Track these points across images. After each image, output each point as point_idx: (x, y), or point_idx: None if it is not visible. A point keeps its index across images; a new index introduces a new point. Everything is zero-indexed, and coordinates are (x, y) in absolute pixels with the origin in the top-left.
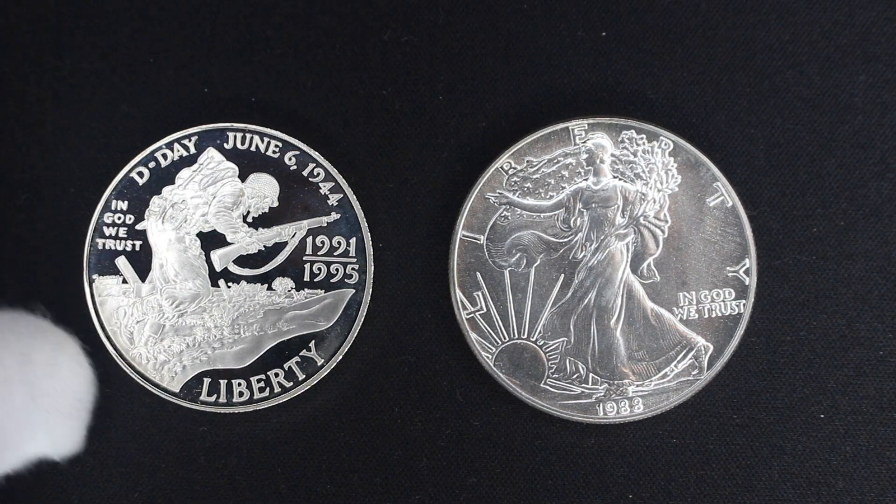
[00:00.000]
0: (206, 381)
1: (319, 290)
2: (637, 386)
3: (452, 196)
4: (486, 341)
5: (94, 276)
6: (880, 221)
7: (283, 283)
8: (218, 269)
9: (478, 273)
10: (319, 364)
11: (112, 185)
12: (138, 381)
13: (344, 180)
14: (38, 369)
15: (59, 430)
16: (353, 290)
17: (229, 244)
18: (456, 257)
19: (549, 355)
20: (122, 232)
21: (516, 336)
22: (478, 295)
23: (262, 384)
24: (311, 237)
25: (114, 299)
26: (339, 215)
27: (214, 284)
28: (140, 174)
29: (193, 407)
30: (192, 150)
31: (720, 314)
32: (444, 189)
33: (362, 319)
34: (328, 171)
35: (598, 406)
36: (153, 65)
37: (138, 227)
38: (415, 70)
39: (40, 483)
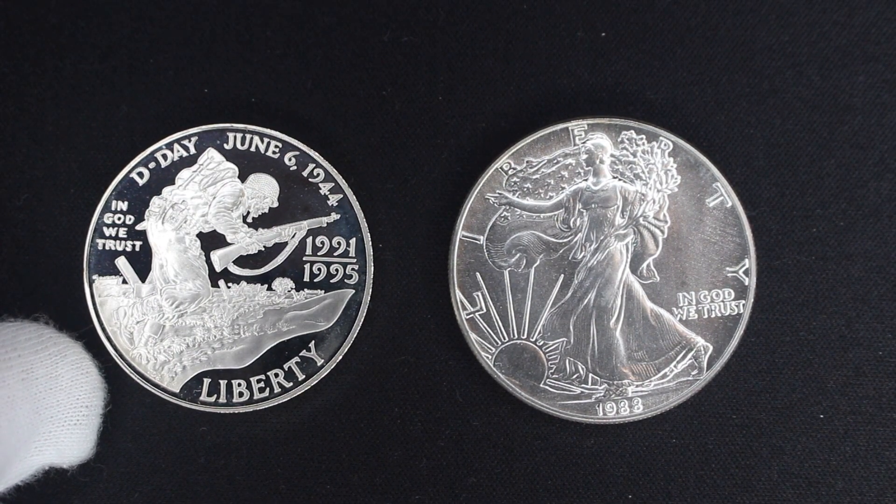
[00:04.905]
0: (206, 381)
1: (319, 291)
2: (637, 386)
3: (452, 196)
4: (485, 341)
5: (94, 277)
6: (880, 222)
7: (283, 284)
8: (218, 269)
9: (477, 273)
10: (319, 364)
11: (112, 185)
12: (138, 381)
13: (344, 181)
14: (40, 384)
15: (66, 440)
16: (353, 291)
17: (229, 245)
18: (456, 257)
19: (549, 355)
20: (122, 232)
21: (516, 336)
22: (477, 295)
23: (261, 384)
24: (311, 237)
25: (114, 300)
26: (338, 216)
27: (214, 285)
28: (140, 174)
29: (193, 407)
30: (192, 151)
31: (720, 314)
32: (444, 189)
33: (362, 320)
34: (328, 172)
35: (598, 406)
36: (153, 65)
37: (138, 227)
38: (415, 70)
39: (41, 483)
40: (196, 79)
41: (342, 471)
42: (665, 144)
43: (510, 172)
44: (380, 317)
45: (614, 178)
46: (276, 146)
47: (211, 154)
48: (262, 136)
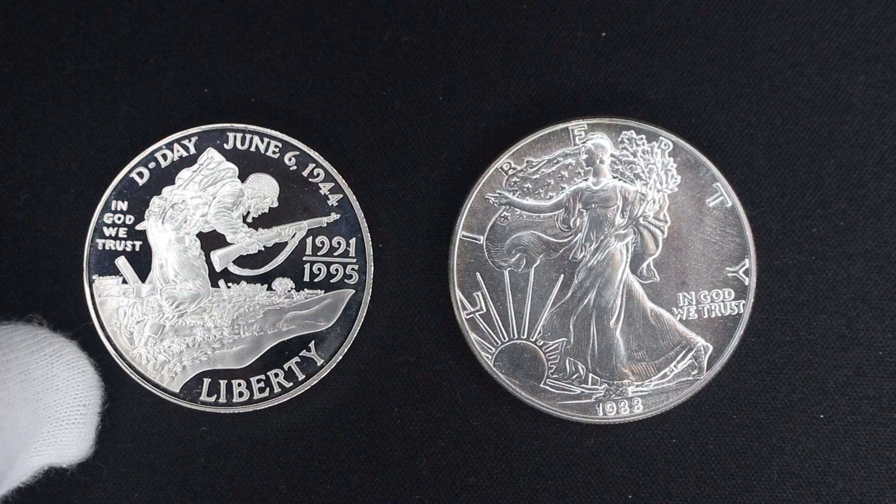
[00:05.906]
0: (206, 381)
1: (319, 291)
2: (637, 386)
3: (452, 196)
4: (485, 341)
5: (94, 277)
6: (880, 221)
7: (283, 284)
8: (218, 269)
9: (477, 273)
10: (319, 364)
11: (112, 185)
12: (138, 381)
13: (344, 180)
14: (37, 385)
15: (65, 440)
16: (353, 291)
17: (229, 244)
18: (456, 257)
19: (549, 355)
20: (122, 232)
21: (516, 336)
22: (477, 295)
23: (261, 384)
24: (310, 237)
25: (114, 300)
26: (338, 216)
27: (214, 285)
28: (140, 174)
29: (193, 407)
30: (192, 151)
31: (720, 314)
32: (444, 189)
33: (362, 320)
34: (328, 172)
35: (598, 406)
36: (153, 65)
37: (138, 227)
38: (415, 70)
39: (41, 484)
40: (196, 79)
41: (342, 471)
42: (665, 144)
43: (510, 172)
44: (380, 317)
45: (614, 178)
46: (276, 146)
47: (211, 154)
48: (262, 136)
